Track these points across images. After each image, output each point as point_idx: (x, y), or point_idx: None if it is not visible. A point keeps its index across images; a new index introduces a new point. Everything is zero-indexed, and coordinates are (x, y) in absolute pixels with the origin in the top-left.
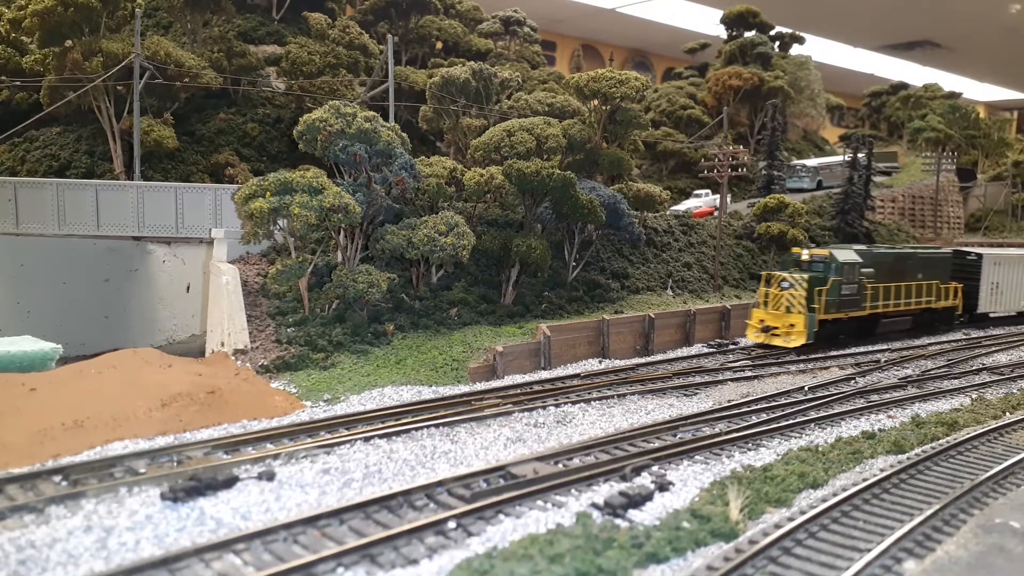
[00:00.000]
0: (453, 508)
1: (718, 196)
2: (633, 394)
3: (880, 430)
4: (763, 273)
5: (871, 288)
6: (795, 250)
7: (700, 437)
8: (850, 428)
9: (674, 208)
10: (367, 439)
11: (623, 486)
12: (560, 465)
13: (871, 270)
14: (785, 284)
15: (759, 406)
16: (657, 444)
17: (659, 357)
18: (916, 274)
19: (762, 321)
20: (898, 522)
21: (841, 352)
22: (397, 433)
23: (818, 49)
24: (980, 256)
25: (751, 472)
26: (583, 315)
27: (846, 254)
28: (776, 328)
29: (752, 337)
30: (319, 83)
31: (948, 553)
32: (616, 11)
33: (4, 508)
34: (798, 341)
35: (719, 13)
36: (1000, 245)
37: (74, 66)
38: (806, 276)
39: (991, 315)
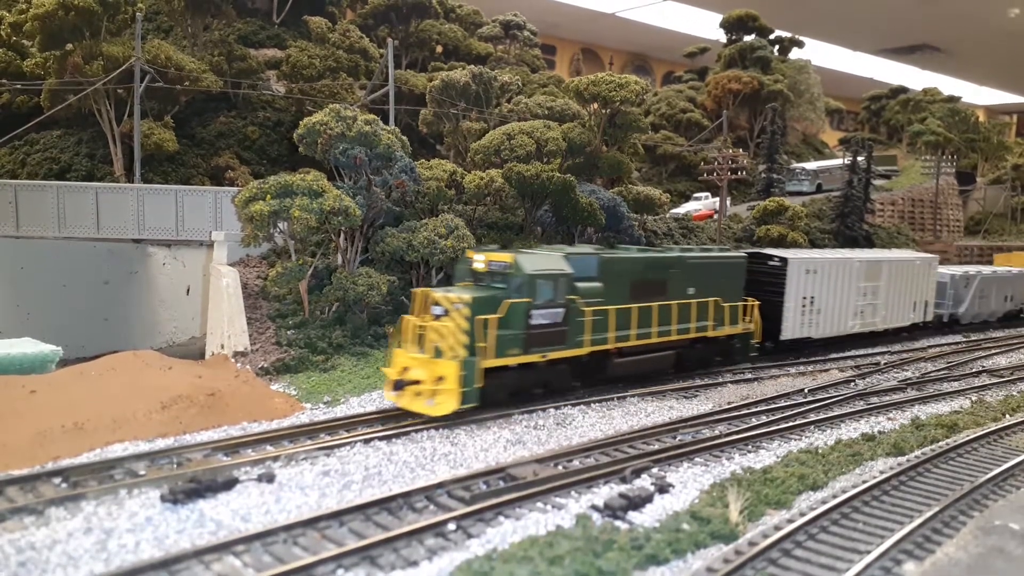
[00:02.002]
0: (453, 510)
1: (718, 199)
2: (633, 396)
3: (880, 432)
4: (415, 291)
5: (594, 313)
6: (468, 253)
7: (700, 439)
8: (850, 430)
9: (674, 211)
10: (367, 441)
11: (623, 488)
12: (560, 467)
13: (597, 285)
14: (437, 309)
15: (759, 408)
16: (657, 446)
17: None
18: (683, 289)
19: (404, 369)
20: (898, 524)
21: (840, 355)
22: (397, 435)
23: (818, 53)
24: (785, 261)
25: (751, 474)
26: None
27: (543, 261)
28: (420, 381)
29: (387, 395)
30: (319, 87)
31: (948, 555)
32: (616, 15)
33: (4, 510)
34: (446, 407)
35: (719, 17)
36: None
37: (75, 70)
38: (471, 296)
39: (806, 340)
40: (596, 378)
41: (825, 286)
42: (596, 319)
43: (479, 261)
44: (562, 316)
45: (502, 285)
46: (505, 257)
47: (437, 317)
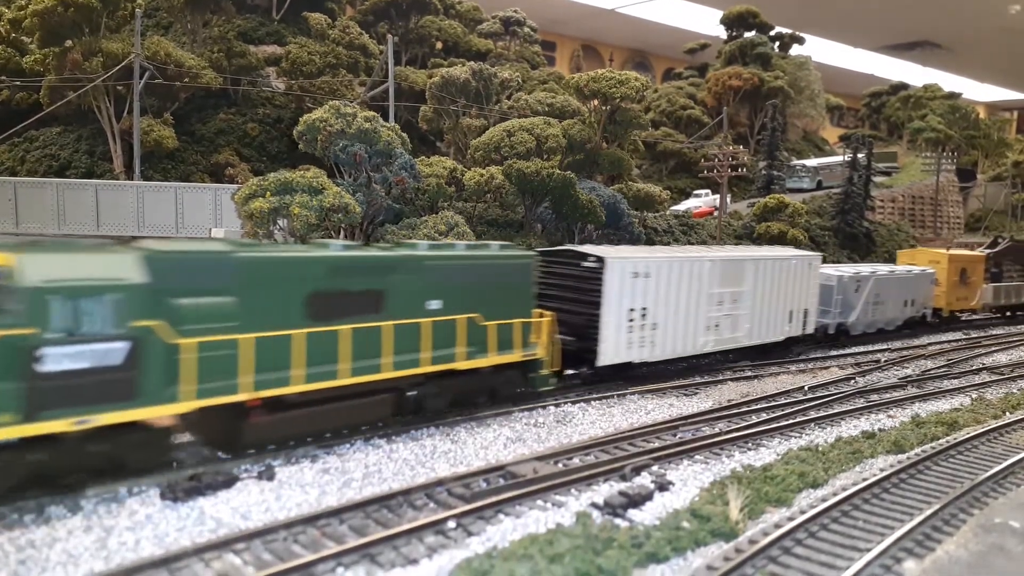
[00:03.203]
0: (453, 508)
1: (718, 196)
2: (633, 394)
3: (880, 430)
4: None
5: (209, 346)
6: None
7: (700, 437)
8: (850, 428)
9: (674, 208)
10: (367, 438)
11: (623, 486)
12: (560, 465)
13: (222, 301)
14: None
15: (759, 406)
16: (657, 444)
17: None
18: (415, 303)
19: None
20: (898, 522)
21: (840, 352)
22: (397, 432)
23: (818, 49)
24: (602, 262)
25: (751, 472)
26: None
27: (73, 265)
28: None
29: None
30: (319, 83)
31: (948, 553)
32: (616, 11)
33: (4, 508)
34: None
35: (719, 14)
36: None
37: (74, 66)
38: None
39: (637, 364)
40: (227, 447)
41: (663, 293)
42: (212, 355)
43: None
44: (124, 355)
45: None
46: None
47: None
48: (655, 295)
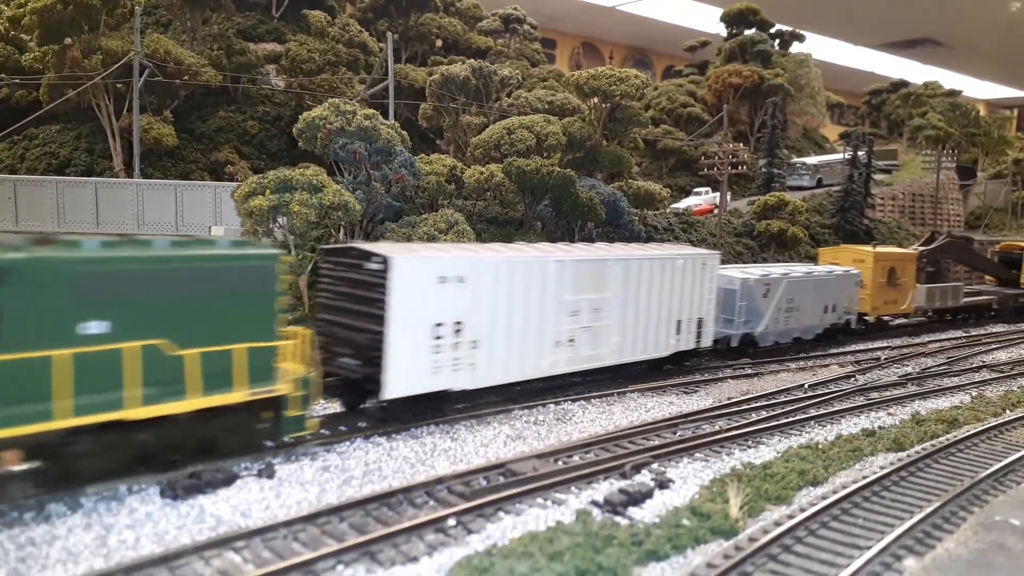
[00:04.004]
0: (453, 505)
1: (718, 194)
2: (633, 392)
3: (880, 427)
4: None
5: None
6: None
7: (700, 435)
8: (850, 425)
9: (674, 206)
10: (367, 436)
11: (623, 484)
12: (560, 463)
13: None
14: None
15: (759, 404)
16: (657, 441)
17: None
18: (59, 328)
19: None
20: (898, 520)
21: (841, 350)
22: (397, 431)
23: (818, 47)
24: (386, 263)
25: (751, 469)
26: None
27: None
28: None
29: None
30: (319, 81)
31: (948, 550)
32: (616, 9)
33: (4, 506)
34: None
35: (719, 11)
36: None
37: (73, 64)
38: None
39: (448, 393)
40: None
41: (487, 303)
42: None
43: None
44: None
45: None
46: None
47: None
48: (475, 305)
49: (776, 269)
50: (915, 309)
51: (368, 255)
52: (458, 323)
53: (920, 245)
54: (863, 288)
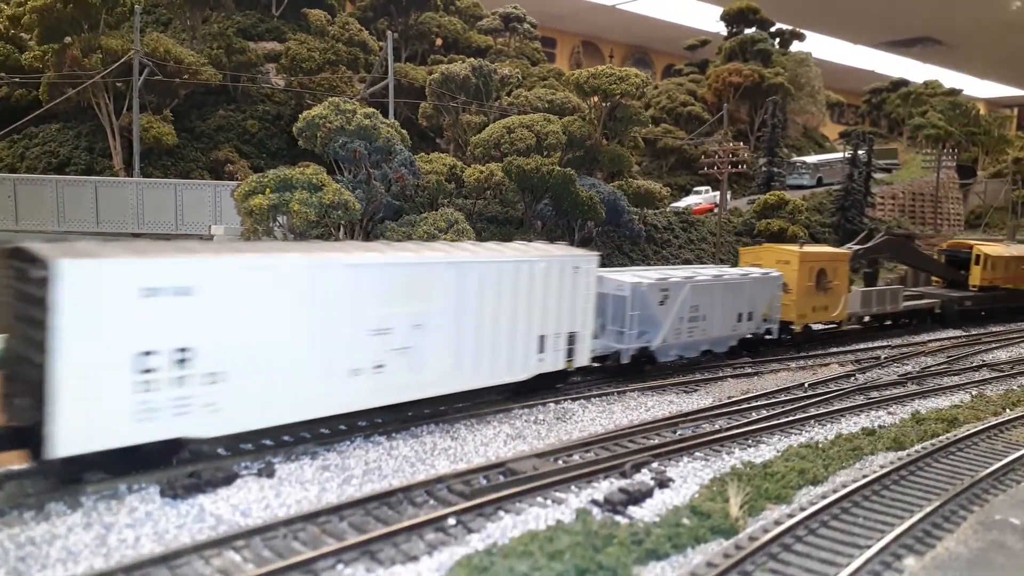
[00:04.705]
0: (453, 505)
1: (718, 193)
2: (633, 391)
3: (880, 427)
4: None
5: None
6: None
7: (700, 434)
8: (850, 425)
9: (674, 205)
10: (367, 435)
11: (623, 483)
12: (560, 462)
13: None
14: None
15: (759, 403)
16: (657, 441)
17: None
18: None
19: None
20: (898, 519)
21: (841, 349)
22: (397, 430)
23: (818, 46)
24: (49, 269)
25: (751, 469)
26: None
27: None
28: None
29: None
30: (319, 80)
31: (948, 549)
32: (616, 8)
33: (4, 505)
34: None
35: (719, 10)
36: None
37: (73, 63)
38: None
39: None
40: None
41: (234, 323)
42: None
43: None
44: None
45: None
46: None
47: None
48: (213, 325)
49: (678, 272)
50: (848, 316)
51: (33, 259)
52: (183, 350)
53: (856, 244)
54: (787, 293)
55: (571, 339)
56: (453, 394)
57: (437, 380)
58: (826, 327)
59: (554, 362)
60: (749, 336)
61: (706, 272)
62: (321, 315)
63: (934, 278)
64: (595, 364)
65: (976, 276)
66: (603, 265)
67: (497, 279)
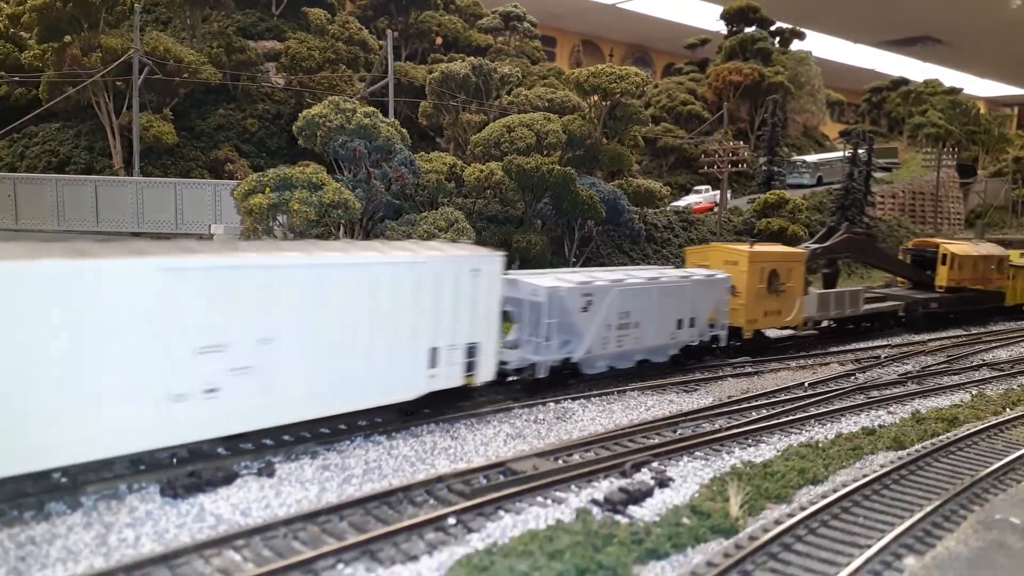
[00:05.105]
0: (453, 504)
1: (718, 192)
2: (633, 390)
3: (880, 426)
4: None
5: None
6: None
7: (700, 433)
8: (850, 424)
9: (674, 204)
10: (367, 435)
11: (623, 482)
12: (560, 461)
13: None
14: None
15: (759, 402)
16: (657, 440)
17: None
18: None
19: None
20: (898, 518)
21: (841, 348)
22: (397, 429)
23: (818, 45)
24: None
25: (751, 468)
26: None
27: None
28: None
29: None
30: (319, 78)
31: (948, 549)
32: (616, 6)
33: (4, 504)
34: None
35: (719, 9)
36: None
37: (73, 62)
38: None
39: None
40: None
41: None
42: None
43: None
44: None
45: None
46: None
47: None
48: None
49: (607, 274)
50: (804, 320)
51: None
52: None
53: (814, 242)
54: (736, 296)
55: (471, 351)
56: (321, 419)
57: (293, 403)
58: (784, 332)
59: (449, 378)
60: (694, 344)
61: (641, 274)
62: (127, 330)
63: (899, 279)
64: (510, 378)
65: (943, 277)
66: (600, 264)
67: (371, 284)
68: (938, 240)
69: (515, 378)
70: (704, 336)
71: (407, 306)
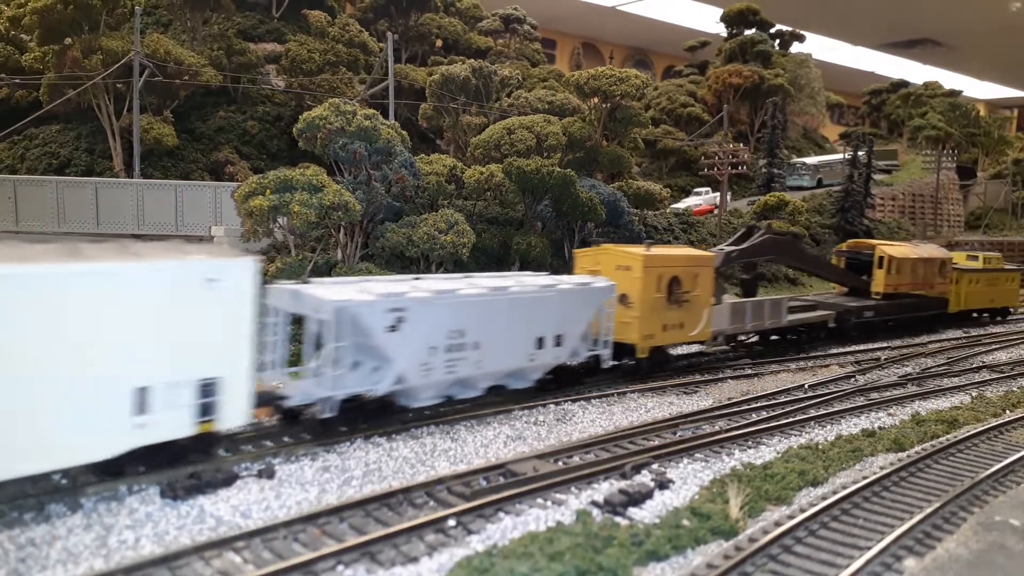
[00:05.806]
0: (453, 506)
1: (718, 194)
2: (633, 392)
3: (880, 428)
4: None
5: None
6: None
7: (700, 435)
8: (850, 426)
9: (674, 206)
10: (367, 437)
11: (623, 484)
12: (560, 463)
13: None
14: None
15: (759, 404)
16: (657, 442)
17: None
18: None
19: None
20: (898, 520)
21: (841, 350)
22: (397, 431)
23: (818, 47)
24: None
25: (751, 470)
26: None
27: None
28: None
29: None
30: (319, 81)
31: (948, 551)
32: (616, 9)
33: (4, 506)
34: None
35: (719, 11)
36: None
37: (73, 64)
38: None
39: None
40: None
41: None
42: None
43: None
44: None
45: None
46: None
47: None
48: None
49: (433, 283)
50: (714, 335)
51: None
52: None
53: (729, 244)
54: (628, 307)
55: (207, 389)
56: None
57: None
58: (693, 349)
59: (170, 427)
60: (569, 365)
61: (486, 283)
62: None
63: (833, 285)
64: (303, 417)
65: (879, 282)
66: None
67: (28, 304)
68: (874, 242)
69: (306, 417)
70: (579, 356)
71: (90, 333)
